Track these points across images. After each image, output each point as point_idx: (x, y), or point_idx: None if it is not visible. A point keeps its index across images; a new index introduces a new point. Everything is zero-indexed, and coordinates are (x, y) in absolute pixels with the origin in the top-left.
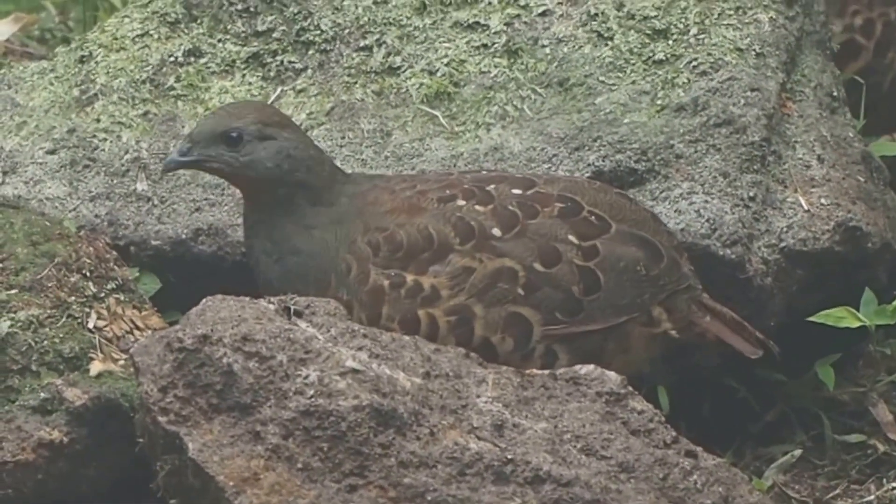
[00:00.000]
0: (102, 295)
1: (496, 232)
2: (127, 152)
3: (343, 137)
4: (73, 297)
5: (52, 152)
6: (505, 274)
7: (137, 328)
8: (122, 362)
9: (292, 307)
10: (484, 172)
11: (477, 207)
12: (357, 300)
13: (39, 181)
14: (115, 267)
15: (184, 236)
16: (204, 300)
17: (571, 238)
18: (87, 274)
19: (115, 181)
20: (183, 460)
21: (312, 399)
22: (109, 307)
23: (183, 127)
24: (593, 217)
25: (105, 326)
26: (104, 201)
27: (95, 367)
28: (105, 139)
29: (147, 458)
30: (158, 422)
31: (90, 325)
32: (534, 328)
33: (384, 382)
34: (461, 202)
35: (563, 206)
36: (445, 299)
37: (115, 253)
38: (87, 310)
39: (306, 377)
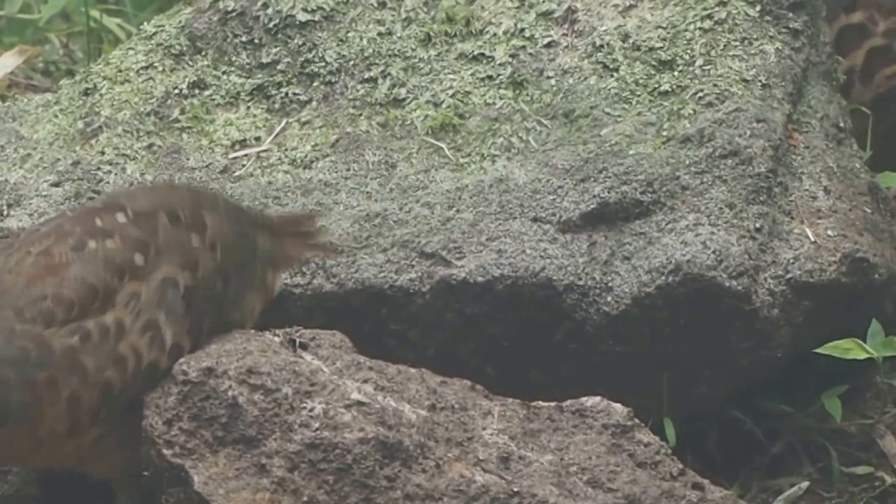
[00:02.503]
0: None
1: (138, 260)
2: (131, 185)
3: (348, 169)
4: None
5: (56, 185)
6: (167, 283)
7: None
8: None
9: (297, 339)
10: (51, 220)
11: (107, 244)
12: (56, 370)
13: (44, 214)
14: None
15: None
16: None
17: (195, 238)
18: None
19: None
20: (188, 493)
21: (318, 432)
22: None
23: (187, 159)
24: (186, 215)
25: None
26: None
27: None
28: (110, 171)
29: (152, 490)
30: (163, 454)
31: None
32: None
33: (390, 415)
34: (92, 243)
35: (165, 215)
36: (131, 326)
37: None
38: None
39: (311, 410)
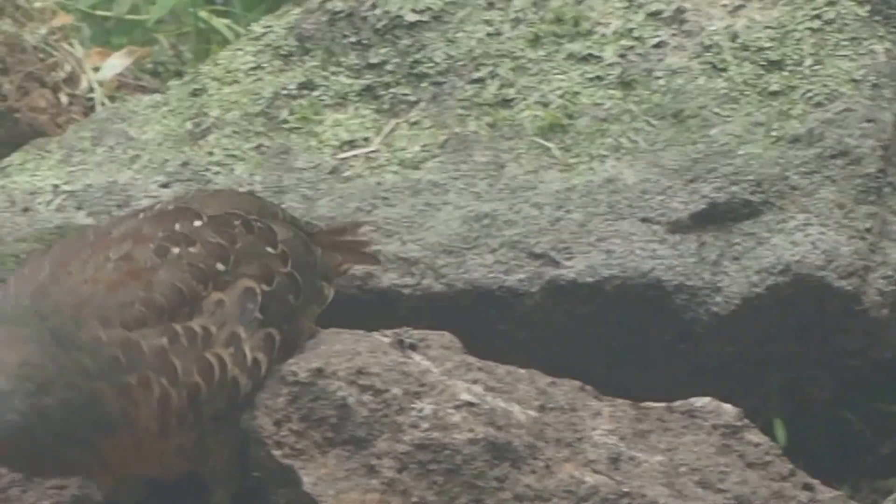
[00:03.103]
0: None
1: (219, 266)
2: (240, 185)
3: (457, 170)
4: None
5: (165, 185)
6: (248, 294)
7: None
8: None
9: (407, 340)
10: (121, 222)
11: (191, 250)
12: (149, 371)
13: None
14: None
15: None
16: (319, 333)
17: (269, 250)
18: None
19: None
20: (298, 494)
21: (427, 432)
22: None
23: (296, 160)
24: (259, 223)
25: None
26: None
27: None
28: (218, 172)
29: (262, 491)
30: (273, 455)
31: None
32: (276, 342)
33: (499, 415)
34: (175, 249)
35: (239, 222)
36: (216, 335)
37: None
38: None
39: (421, 410)
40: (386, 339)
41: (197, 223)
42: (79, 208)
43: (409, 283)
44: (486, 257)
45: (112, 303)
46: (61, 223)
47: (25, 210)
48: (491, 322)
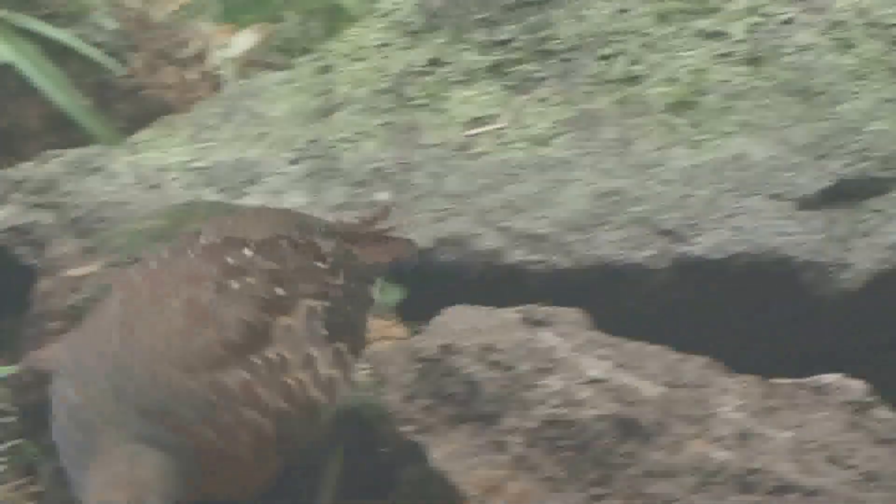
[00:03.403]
0: None
1: (278, 290)
2: (368, 162)
3: (584, 147)
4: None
5: (294, 162)
6: (312, 313)
7: (380, 338)
8: (365, 372)
9: (535, 316)
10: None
11: (248, 281)
12: (238, 405)
13: (282, 191)
14: None
15: (426, 245)
16: (446, 310)
17: (319, 265)
18: None
19: (356, 191)
20: (427, 470)
21: (556, 409)
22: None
23: (424, 137)
24: (302, 240)
25: None
26: (346, 210)
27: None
28: (347, 149)
29: (390, 467)
30: (401, 432)
31: None
32: (344, 356)
33: (628, 392)
34: (232, 282)
35: (286, 243)
36: (291, 359)
37: None
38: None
39: (549, 387)
40: (514, 316)
41: (247, 252)
42: (207, 185)
43: (536, 260)
44: (613, 234)
45: (190, 351)
46: (190, 200)
47: (154, 187)
48: (619, 298)
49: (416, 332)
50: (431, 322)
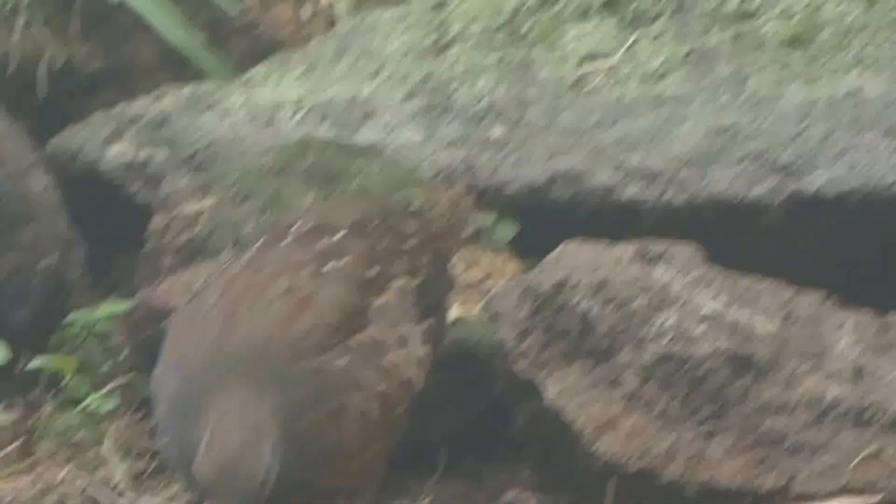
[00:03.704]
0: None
1: (370, 272)
2: (483, 98)
3: (699, 83)
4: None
5: (408, 98)
6: (404, 292)
7: (494, 274)
8: (479, 308)
9: (649, 252)
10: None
11: (341, 264)
12: (342, 393)
13: (396, 127)
14: (472, 213)
15: (540, 182)
16: (561, 245)
17: (407, 244)
18: (444, 220)
19: (471, 127)
20: (540, 407)
21: (670, 345)
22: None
23: (537, 73)
24: (388, 221)
25: (462, 272)
26: (460, 147)
27: (452, 312)
28: (460, 86)
29: (504, 404)
30: (516, 368)
31: None
32: (433, 333)
33: (742, 328)
34: (327, 267)
35: (374, 225)
36: (387, 340)
37: (471, 198)
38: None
39: (663, 323)
40: (628, 252)
41: (337, 236)
42: (321, 122)
43: (651, 196)
44: (728, 170)
45: (292, 337)
46: (304, 136)
47: (268, 124)
48: (733, 234)
49: (530, 268)
50: (545, 258)
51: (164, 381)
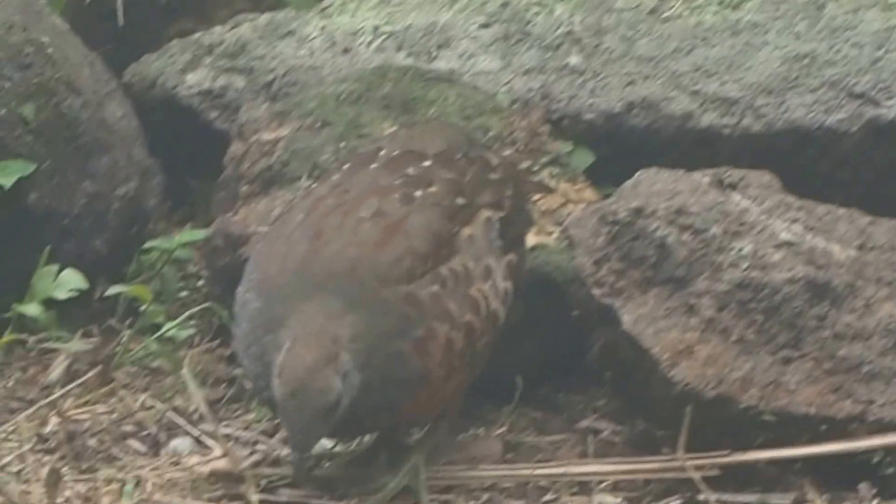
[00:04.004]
0: (536, 168)
1: (459, 200)
2: (560, 26)
3: (777, 10)
4: None
5: (485, 26)
6: (489, 224)
7: (571, 201)
8: (555, 235)
9: (726, 180)
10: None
11: (431, 191)
12: (433, 321)
13: (473, 55)
14: (549, 140)
15: (617, 109)
16: (637, 173)
17: (492, 176)
18: (521, 147)
19: (548, 55)
20: (617, 333)
21: (747, 272)
22: (543, 180)
23: (615, 1)
24: (473, 152)
25: (539, 200)
26: (537, 75)
27: (529, 239)
28: (538, 13)
29: (581, 330)
30: (593, 295)
31: None
32: (515, 267)
33: (819, 255)
34: (418, 193)
35: (461, 155)
36: (474, 271)
37: (548, 126)
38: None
39: (740, 250)
40: (705, 179)
41: (426, 163)
42: (398, 49)
43: (728, 124)
44: (805, 97)
45: (382, 261)
46: (381, 63)
47: (346, 51)
48: (810, 162)
49: (607, 196)
50: (622, 186)
51: (247, 301)
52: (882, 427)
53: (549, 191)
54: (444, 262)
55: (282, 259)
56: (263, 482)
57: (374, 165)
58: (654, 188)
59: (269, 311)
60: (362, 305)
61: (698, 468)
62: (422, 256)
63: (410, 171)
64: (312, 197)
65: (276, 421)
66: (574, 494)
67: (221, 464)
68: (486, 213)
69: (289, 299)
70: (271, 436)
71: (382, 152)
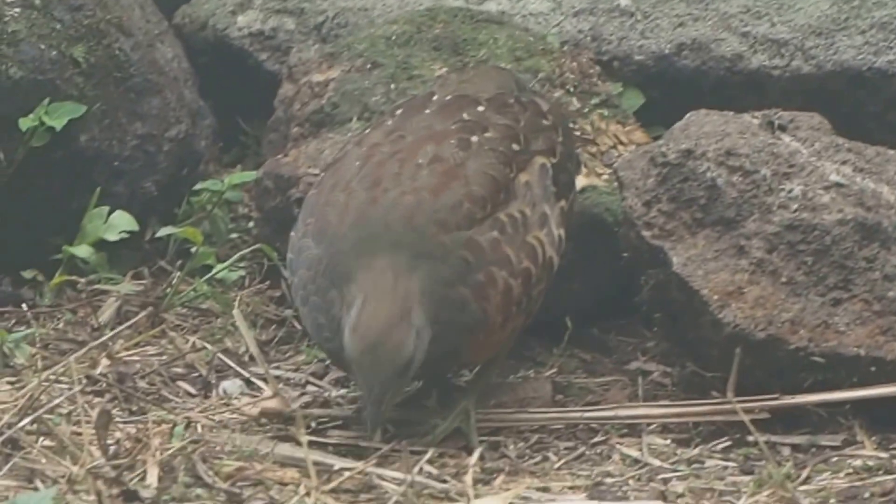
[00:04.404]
0: (586, 110)
1: (514, 146)
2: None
3: None
4: None
5: None
6: (544, 170)
7: (621, 143)
8: (605, 177)
9: (776, 121)
10: (406, 122)
11: (487, 136)
12: (492, 266)
13: None
14: (599, 82)
15: (667, 51)
16: (687, 115)
17: (544, 121)
18: (571, 89)
19: None
20: (667, 274)
21: (796, 213)
22: (593, 122)
23: None
24: (524, 97)
25: (589, 143)
26: (587, 16)
27: (579, 181)
28: None
29: (631, 272)
30: (643, 236)
31: None
32: (566, 214)
33: (868, 196)
34: (474, 138)
35: (513, 100)
36: (531, 217)
37: (598, 68)
38: (571, 125)
39: (790, 191)
40: (755, 121)
41: (480, 108)
42: None
43: (778, 65)
44: (855, 38)
45: (441, 206)
46: (431, 5)
47: None
48: (860, 103)
49: (657, 138)
50: (672, 127)
51: (305, 247)
52: None
53: (590, 142)
54: (502, 209)
55: (341, 207)
56: (313, 423)
57: (427, 111)
58: (704, 130)
59: (332, 263)
60: (425, 255)
61: (748, 411)
62: (480, 201)
63: (465, 116)
64: (367, 143)
65: (327, 363)
66: (623, 436)
67: (271, 404)
68: (540, 160)
69: (353, 252)
70: (321, 377)
71: (435, 97)
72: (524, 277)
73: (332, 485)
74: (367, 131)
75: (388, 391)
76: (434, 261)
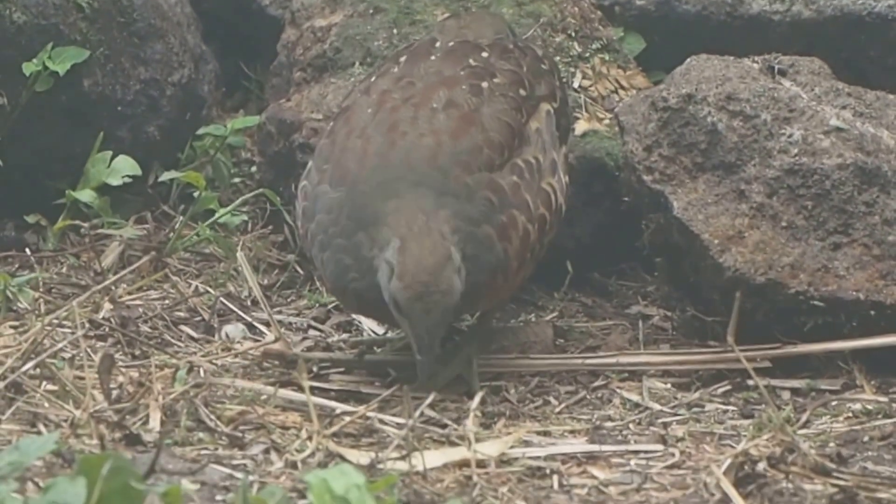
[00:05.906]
0: (587, 55)
1: (522, 92)
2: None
3: None
4: (557, 57)
5: None
6: (549, 117)
7: (622, 88)
8: (606, 121)
9: (776, 66)
10: (412, 68)
11: (496, 81)
12: (514, 209)
13: None
14: (600, 27)
15: None
16: (688, 59)
17: (544, 66)
18: (572, 34)
19: None
20: (668, 219)
21: (797, 158)
22: (594, 67)
23: None
24: (512, 44)
25: (590, 86)
26: None
27: (581, 126)
28: None
29: (631, 216)
30: (643, 181)
31: (575, 85)
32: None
33: (868, 141)
34: (484, 84)
35: (513, 46)
36: (543, 163)
37: (599, 13)
38: (572, 69)
39: (790, 136)
40: (756, 65)
41: (484, 54)
42: None
43: (779, 10)
44: None
45: (462, 149)
46: None
47: None
48: (860, 48)
49: (658, 82)
50: (673, 72)
51: (322, 192)
52: None
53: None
54: (518, 154)
55: (360, 153)
56: (315, 368)
57: (433, 57)
58: (705, 74)
59: (356, 206)
60: (450, 194)
61: (749, 360)
62: (498, 147)
63: (471, 62)
64: (376, 91)
65: (328, 307)
66: (624, 380)
67: (274, 348)
68: (546, 106)
69: (377, 194)
70: (323, 322)
71: (438, 43)
72: (540, 223)
73: (334, 429)
74: (372, 79)
75: (437, 336)
76: (459, 200)
